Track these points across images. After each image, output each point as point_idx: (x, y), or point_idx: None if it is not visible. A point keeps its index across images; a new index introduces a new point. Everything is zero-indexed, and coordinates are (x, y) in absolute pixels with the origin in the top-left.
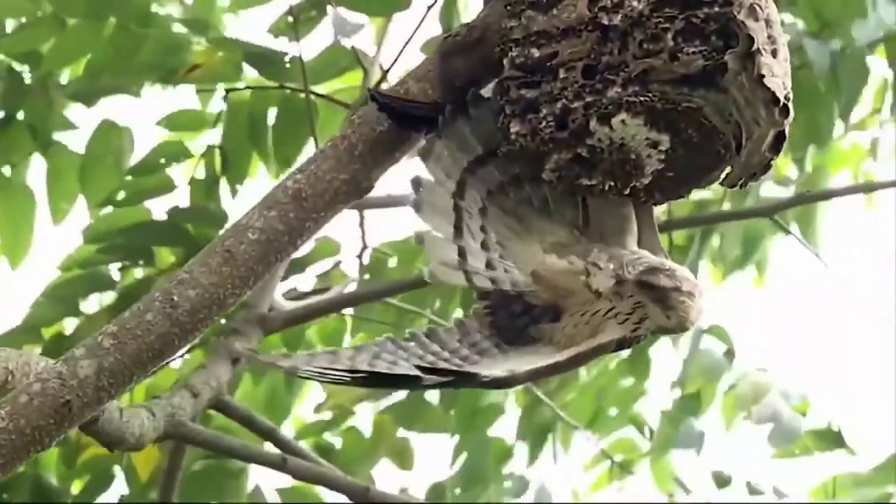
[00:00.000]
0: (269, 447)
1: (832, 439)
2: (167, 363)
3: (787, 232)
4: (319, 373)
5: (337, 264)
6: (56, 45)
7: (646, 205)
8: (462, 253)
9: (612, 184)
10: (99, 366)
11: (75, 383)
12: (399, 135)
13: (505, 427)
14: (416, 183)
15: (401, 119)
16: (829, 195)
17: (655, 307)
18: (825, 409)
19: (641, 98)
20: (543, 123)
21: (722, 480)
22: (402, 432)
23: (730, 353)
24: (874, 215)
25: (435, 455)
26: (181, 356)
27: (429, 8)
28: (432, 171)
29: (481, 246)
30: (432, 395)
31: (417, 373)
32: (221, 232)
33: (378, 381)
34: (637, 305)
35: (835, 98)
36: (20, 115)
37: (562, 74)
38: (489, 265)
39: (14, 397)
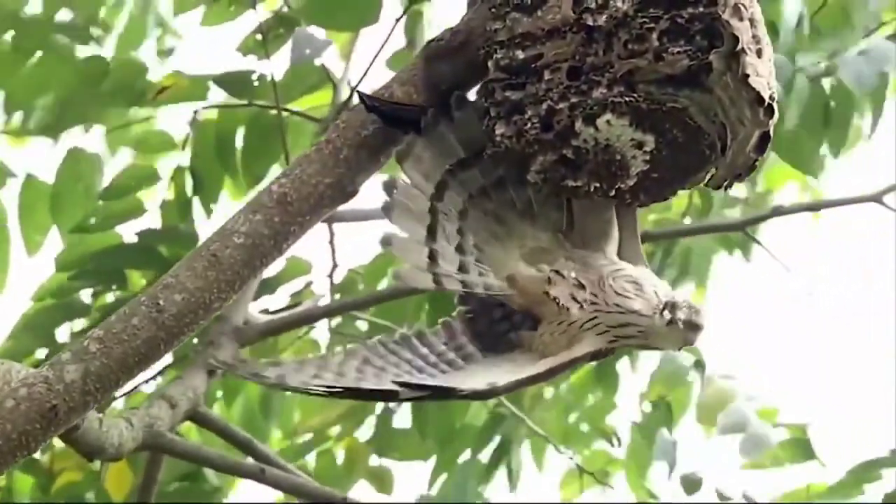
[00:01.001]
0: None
1: (803, 450)
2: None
3: (759, 244)
4: (302, 385)
5: (308, 284)
6: (19, 79)
7: (629, 210)
8: (433, 256)
9: (598, 185)
10: (85, 370)
11: (62, 388)
12: (384, 139)
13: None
14: (389, 186)
15: (389, 120)
16: (809, 208)
17: (680, 339)
18: (795, 418)
19: (626, 98)
20: (529, 125)
21: (691, 485)
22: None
23: (699, 365)
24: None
25: (418, 476)
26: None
27: (396, 20)
28: (409, 174)
29: (456, 249)
30: (405, 420)
31: (395, 388)
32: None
33: (357, 395)
34: (622, 324)
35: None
36: None
37: (547, 76)
38: (462, 268)
39: (0, 403)
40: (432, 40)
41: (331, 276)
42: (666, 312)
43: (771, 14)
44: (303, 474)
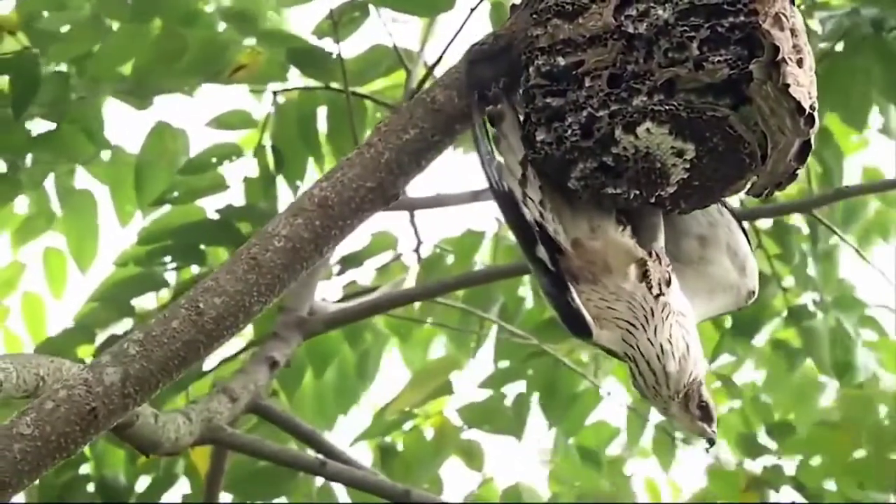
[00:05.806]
0: None
1: None
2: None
3: (826, 226)
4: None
5: (397, 257)
6: (102, 48)
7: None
8: (524, 178)
9: (638, 192)
10: (125, 373)
11: (101, 390)
12: (426, 143)
13: None
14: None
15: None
16: (868, 189)
17: (696, 430)
18: None
19: (667, 107)
20: (569, 132)
21: None
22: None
23: None
24: None
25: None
26: None
27: (472, 10)
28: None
29: (539, 187)
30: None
31: (545, 260)
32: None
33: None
34: (650, 367)
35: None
36: (71, 122)
37: (587, 83)
38: (542, 204)
39: (40, 404)
40: (475, 44)
41: (417, 250)
42: (681, 400)
43: None
44: (365, 466)
